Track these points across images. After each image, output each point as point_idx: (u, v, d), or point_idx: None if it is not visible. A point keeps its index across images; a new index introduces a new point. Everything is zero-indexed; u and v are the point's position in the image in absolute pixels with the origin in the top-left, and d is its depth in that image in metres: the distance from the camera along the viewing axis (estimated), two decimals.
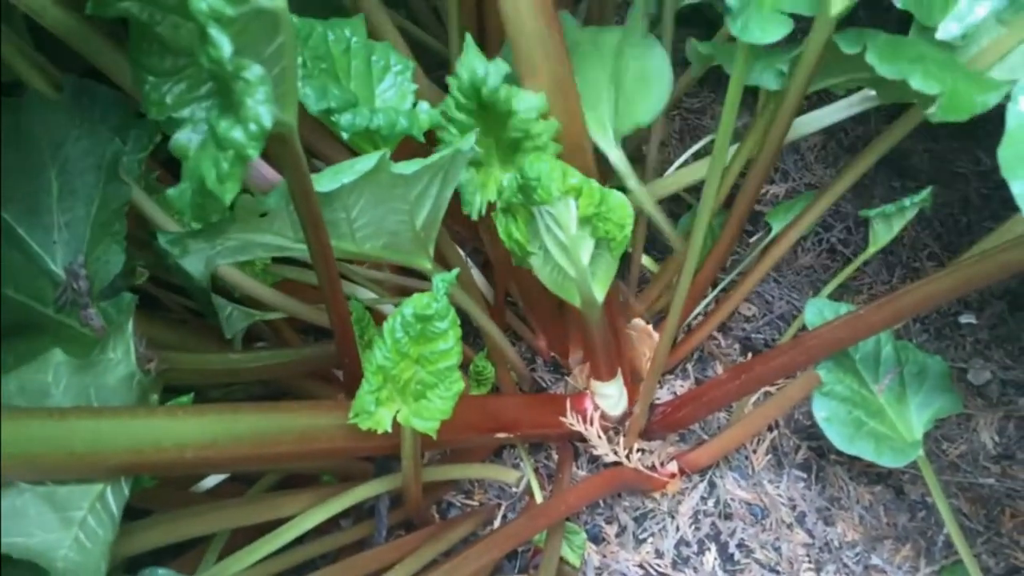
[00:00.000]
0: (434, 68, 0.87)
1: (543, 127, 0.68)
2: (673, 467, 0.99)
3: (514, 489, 1.03)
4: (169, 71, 0.55)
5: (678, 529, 1.00)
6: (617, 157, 0.86)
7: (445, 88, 0.70)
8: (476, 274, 1.02)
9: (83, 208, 0.68)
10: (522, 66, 0.67)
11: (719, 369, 1.12)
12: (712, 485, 1.03)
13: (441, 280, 0.60)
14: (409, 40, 0.84)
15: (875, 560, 0.97)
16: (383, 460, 0.85)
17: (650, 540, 0.99)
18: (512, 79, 0.68)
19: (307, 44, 0.69)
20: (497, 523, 1.01)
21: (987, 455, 1.04)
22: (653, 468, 0.98)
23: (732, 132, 0.77)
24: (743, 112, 1.29)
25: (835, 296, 0.95)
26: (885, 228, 0.93)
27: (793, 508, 1.01)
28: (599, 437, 0.92)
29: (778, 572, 0.96)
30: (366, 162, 0.58)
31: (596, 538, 1.00)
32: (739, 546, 0.99)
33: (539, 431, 0.96)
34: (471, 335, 1.04)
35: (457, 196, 0.72)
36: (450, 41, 0.88)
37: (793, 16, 0.69)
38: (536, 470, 1.03)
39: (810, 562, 0.97)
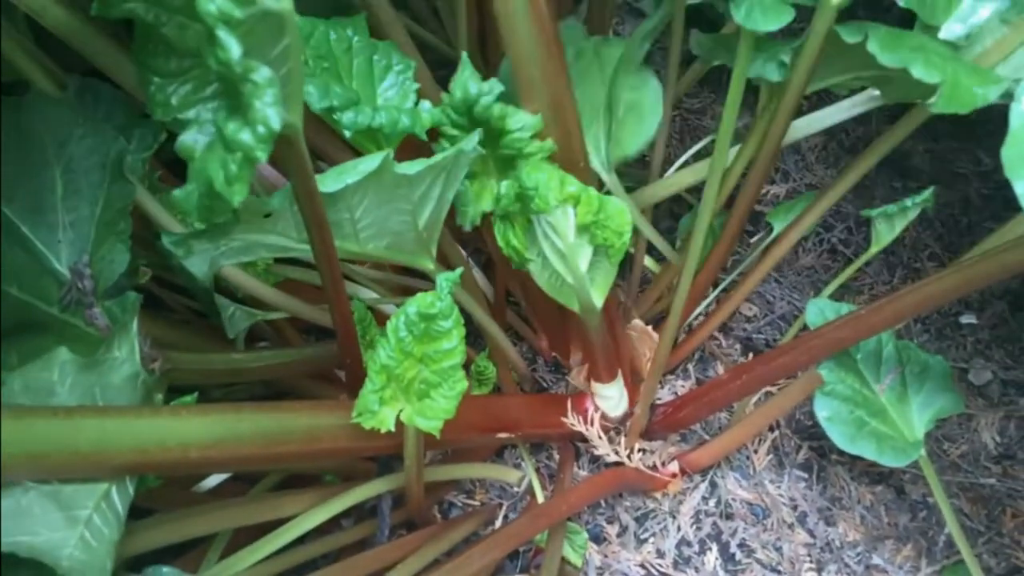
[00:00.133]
0: (437, 67, 0.87)
1: (537, 147, 0.67)
2: (674, 467, 0.99)
3: (516, 489, 1.03)
4: (175, 72, 0.55)
5: (679, 529, 1.00)
6: (610, 181, 0.86)
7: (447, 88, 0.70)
8: (478, 274, 1.03)
9: (87, 207, 0.68)
10: (520, 86, 0.66)
11: (720, 369, 1.12)
12: (713, 485, 1.03)
13: (445, 279, 0.60)
14: (412, 39, 0.84)
15: (876, 560, 0.97)
16: (385, 460, 0.85)
17: (651, 540, 0.99)
18: (509, 96, 0.66)
19: (309, 43, 0.69)
20: (499, 523, 1.01)
21: (988, 455, 1.04)
22: (654, 468, 0.99)
23: (734, 129, 0.77)
24: (744, 113, 1.30)
25: (836, 296, 0.95)
26: (887, 228, 0.93)
27: (794, 508, 1.01)
28: (600, 438, 0.93)
29: (779, 572, 0.97)
30: (370, 162, 0.58)
31: (597, 538, 1.00)
32: (740, 546, 0.99)
33: (540, 431, 0.96)
34: (472, 335, 1.04)
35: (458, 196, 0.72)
36: (459, 39, 0.88)
37: (795, 7, 0.70)
38: (538, 470, 1.03)
39: (811, 562, 0.97)
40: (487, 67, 0.97)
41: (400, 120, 0.68)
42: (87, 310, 0.63)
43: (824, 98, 1.24)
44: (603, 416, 0.94)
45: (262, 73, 0.41)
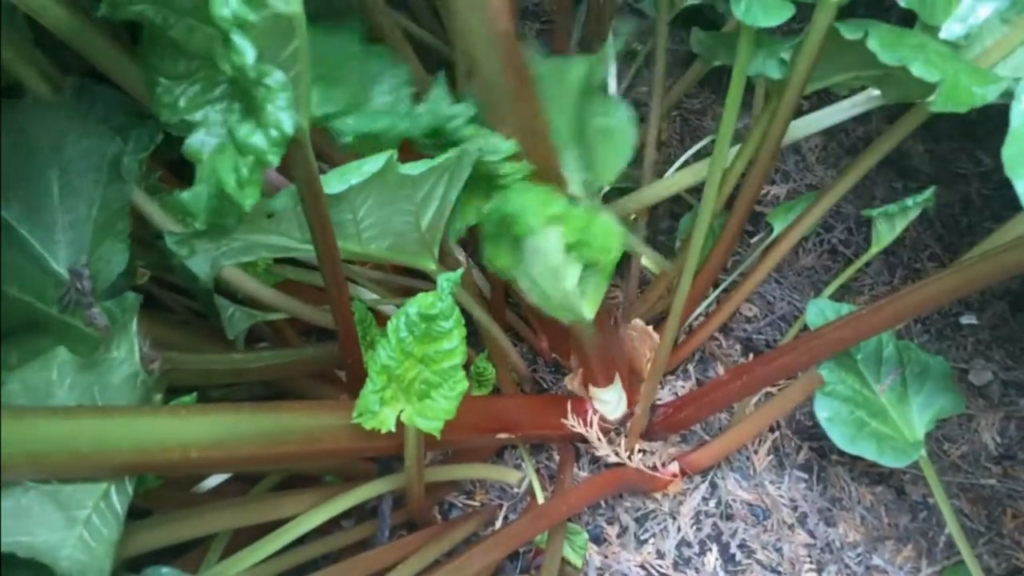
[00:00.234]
0: (435, 68, 0.87)
1: (512, 169, 0.65)
2: (674, 468, 0.99)
3: (516, 490, 1.03)
4: (182, 74, 0.55)
5: (679, 530, 1.00)
6: (595, 204, 0.85)
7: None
8: (477, 274, 1.02)
9: (85, 208, 0.68)
10: (489, 109, 0.64)
11: (720, 370, 1.12)
12: (713, 486, 1.03)
13: (446, 279, 0.60)
14: (410, 40, 0.84)
15: (877, 560, 0.97)
16: (386, 460, 0.85)
17: (651, 541, 0.99)
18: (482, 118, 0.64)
19: None
20: (499, 523, 1.01)
21: (988, 456, 1.04)
22: (654, 469, 0.98)
23: (734, 128, 0.77)
24: (743, 114, 1.29)
25: (836, 297, 0.95)
26: (888, 228, 0.93)
27: (795, 509, 1.01)
28: (599, 439, 0.92)
29: (780, 573, 0.96)
30: (373, 163, 0.58)
31: (598, 539, 1.00)
32: (740, 547, 0.99)
33: (540, 432, 0.96)
34: (472, 336, 1.04)
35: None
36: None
37: (796, 5, 0.70)
38: (538, 471, 1.03)
39: (811, 563, 0.97)
40: None
41: (397, 124, 0.68)
42: (86, 310, 0.63)
43: (824, 98, 1.24)
44: (602, 418, 0.94)
45: (276, 77, 0.41)
